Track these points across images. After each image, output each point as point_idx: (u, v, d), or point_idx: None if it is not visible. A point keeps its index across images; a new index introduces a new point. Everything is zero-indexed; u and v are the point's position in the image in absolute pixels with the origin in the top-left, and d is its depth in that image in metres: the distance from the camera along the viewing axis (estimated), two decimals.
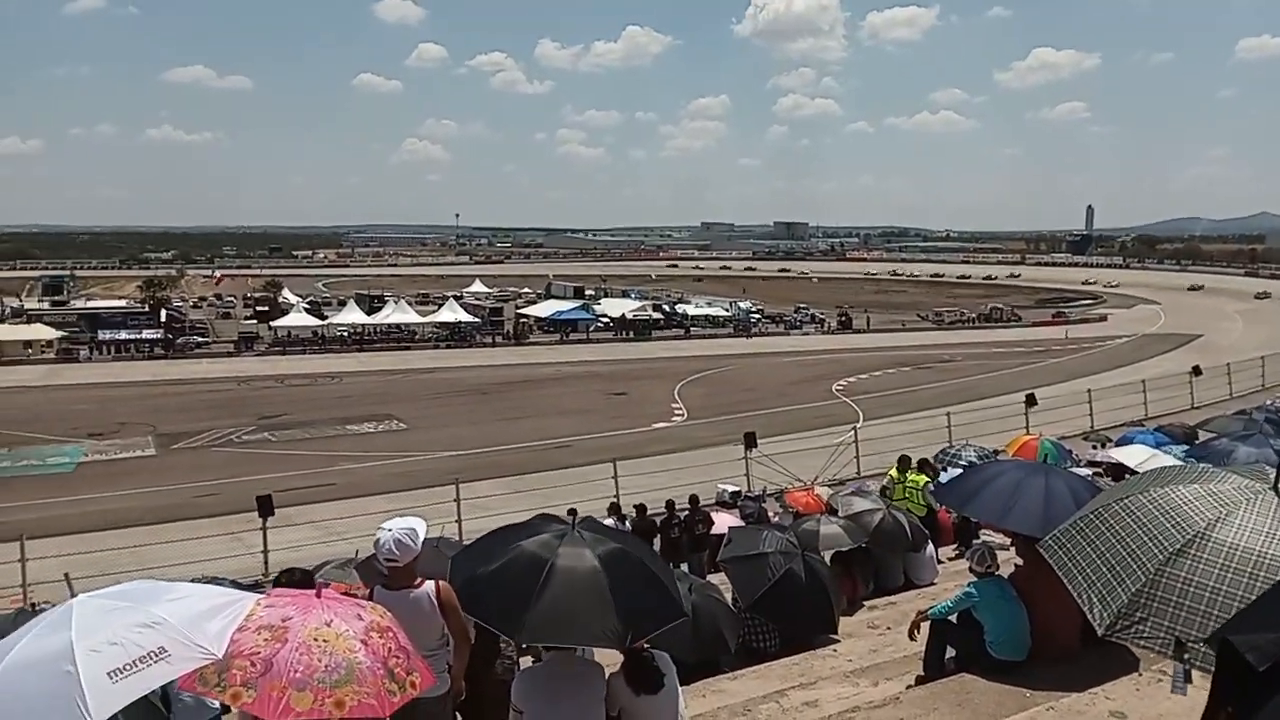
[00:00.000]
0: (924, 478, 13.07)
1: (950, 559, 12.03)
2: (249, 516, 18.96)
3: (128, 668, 3.26)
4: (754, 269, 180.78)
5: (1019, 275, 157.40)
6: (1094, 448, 20.51)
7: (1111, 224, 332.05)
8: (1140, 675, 5.82)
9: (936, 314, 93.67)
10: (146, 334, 66.24)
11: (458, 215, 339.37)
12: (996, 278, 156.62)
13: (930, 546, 11.07)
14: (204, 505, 25.84)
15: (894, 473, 13.72)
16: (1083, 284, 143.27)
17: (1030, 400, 26.72)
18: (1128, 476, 11.60)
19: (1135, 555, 3.62)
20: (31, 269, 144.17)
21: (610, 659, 5.24)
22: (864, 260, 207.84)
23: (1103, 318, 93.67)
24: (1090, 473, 13.27)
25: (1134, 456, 14.26)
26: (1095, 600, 3.59)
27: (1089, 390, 29.35)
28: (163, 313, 72.42)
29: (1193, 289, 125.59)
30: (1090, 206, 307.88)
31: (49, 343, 63.24)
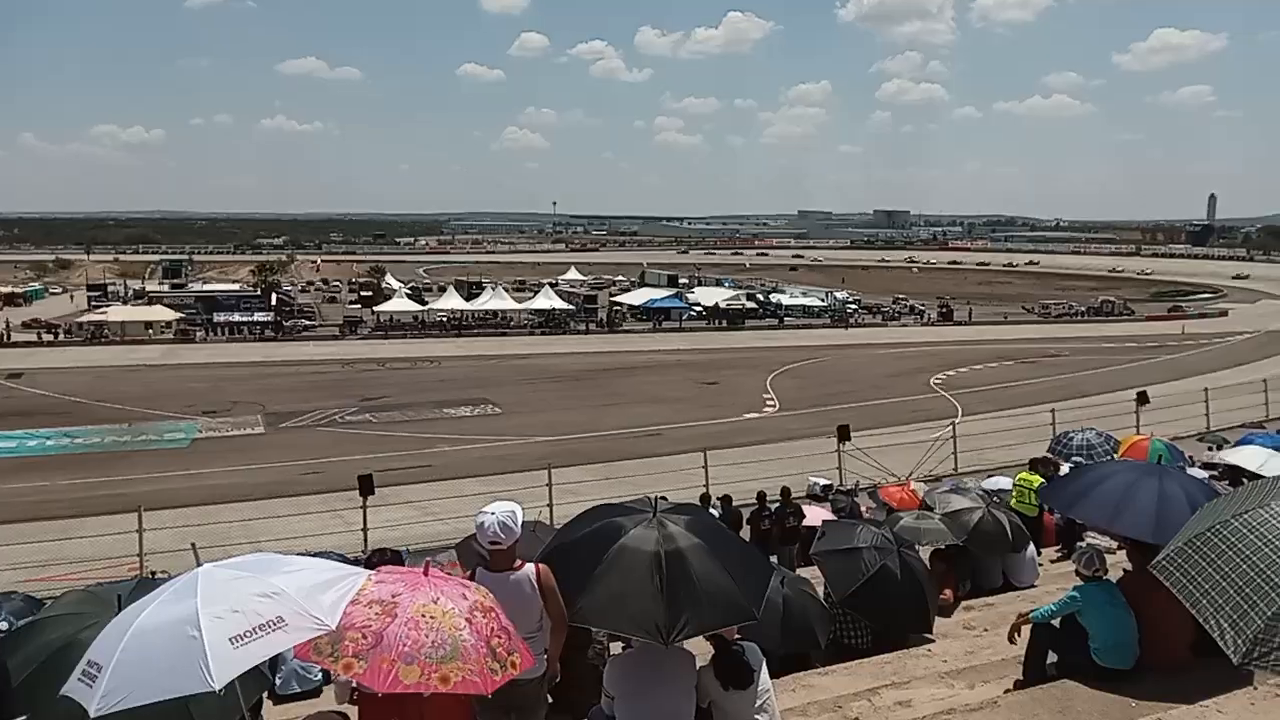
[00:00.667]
0: (1037, 477, 12.66)
1: (1053, 561, 11.67)
2: (350, 495, 19.63)
3: (248, 635, 3.46)
4: (853, 259, 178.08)
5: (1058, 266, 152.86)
6: (1210, 449, 19.58)
7: (1236, 214, 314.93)
8: (1256, 689, 5.58)
9: (1043, 306, 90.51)
10: (258, 316, 68.96)
11: (555, 203, 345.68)
12: (1093, 269, 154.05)
13: (1031, 548, 10.76)
14: (308, 482, 26.83)
15: (1024, 474, 13.33)
16: (1110, 271, 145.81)
17: (1142, 398, 25.58)
18: (1245, 481, 11.07)
19: (1265, 576, 3.44)
20: (153, 253, 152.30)
21: (703, 649, 5.28)
22: (968, 250, 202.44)
23: (1223, 313, 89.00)
24: (1206, 476, 12.69)
25: (1252, 459, 13.55)
26: (1226, 626, 3.42)
27: (1206, 389, 27.96)
28: (273, 296, 75.27)
29: (1238, 278, 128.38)
30: (1213, 195, 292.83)
31: (168, 324, 66.40)
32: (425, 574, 4.06)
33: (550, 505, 18.50)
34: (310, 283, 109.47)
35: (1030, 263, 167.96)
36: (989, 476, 17.21)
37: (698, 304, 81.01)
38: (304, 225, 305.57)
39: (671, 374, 50.58)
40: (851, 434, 22.90)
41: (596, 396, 43.69)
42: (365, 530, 18.81)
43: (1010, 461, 21.15)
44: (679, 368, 52.88)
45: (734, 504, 15.49)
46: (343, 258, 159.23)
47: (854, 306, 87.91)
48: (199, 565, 3.89)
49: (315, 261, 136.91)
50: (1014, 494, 12.83)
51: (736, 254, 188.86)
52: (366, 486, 18.98)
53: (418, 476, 26.71)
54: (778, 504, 15.11)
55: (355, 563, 8.26)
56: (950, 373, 49.94)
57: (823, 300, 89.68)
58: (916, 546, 9.05)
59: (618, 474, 24.93)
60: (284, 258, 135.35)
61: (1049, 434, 22.44)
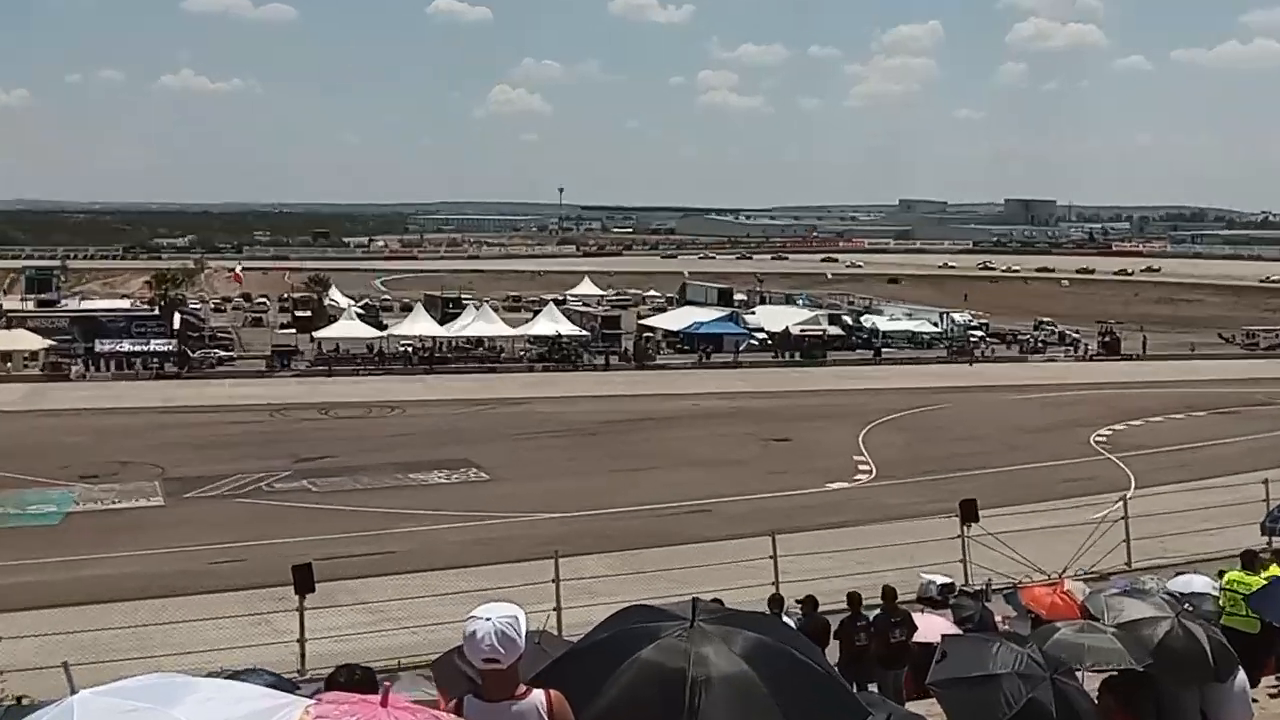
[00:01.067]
0: (1257, 579, 12.41)
1: (1272, 695, 11.44)
2: (281, 592, 19.68)
3: None
4: (988, 265, 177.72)
5: None
6: None
7: None
8: None
9: (1249, 335, 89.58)
10: (156, 345, 69.49)
11: (561, 190, 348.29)
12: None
13: (1241, 675, 10.55)
14: (224, 575, 27.03)
15: (1236, 574, 13.09)
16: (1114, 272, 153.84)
17: None
18: None
19: None
20: (13, 258, 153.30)
21: None
22: (1138, 255, 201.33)
23: None
24: None
25: None
26: None
27: None
28: (176, 317, 76.01)
29: None
30: None
31: (32, 354, 67.01)
32: (383, 704, 4.01)
33: (558, 609, 18.42)
34: (227, 299, 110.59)
35: (1148, 269, 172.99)
36: (1177, 574, 16.91)
37: (760, 329, 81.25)
38: (218, 220, 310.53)
39: (725, 427, 50.61)
40: (980, 513, 22.68)
41: (621, 458, 43.80)
42: (302, 641, 18.82)
43: (1207, 553, 20.84)
44: (735, 418, 52.93)
45: (819, 609, 15.35)
46: (271, 264, 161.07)
47: (980, 333, 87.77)
48: (73, 692, 3.87)
49: (234, 270, 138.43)
50: (1223, 601, 12.60)
51: (828, 259, 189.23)
52: (304, 581, 19.00)
53: (375, 568, 26.82)
54: (878, 611, 14.95)
55: (292, 687, 8.21)
56: (1118, 426, 49.69)
57: (936, 324, 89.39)
58: (1078, 672, 8.89)
59: (650, 565, 24.88)
60: (191, 265, 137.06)
61: (1261, 512, 22.19)
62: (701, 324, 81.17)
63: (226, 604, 22.70)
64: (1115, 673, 9.55)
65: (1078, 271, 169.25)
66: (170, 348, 69.44)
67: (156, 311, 78.91)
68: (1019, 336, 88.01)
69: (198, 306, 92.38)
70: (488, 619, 4.72)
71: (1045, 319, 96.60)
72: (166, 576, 27.03)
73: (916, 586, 20.33)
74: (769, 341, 79.01)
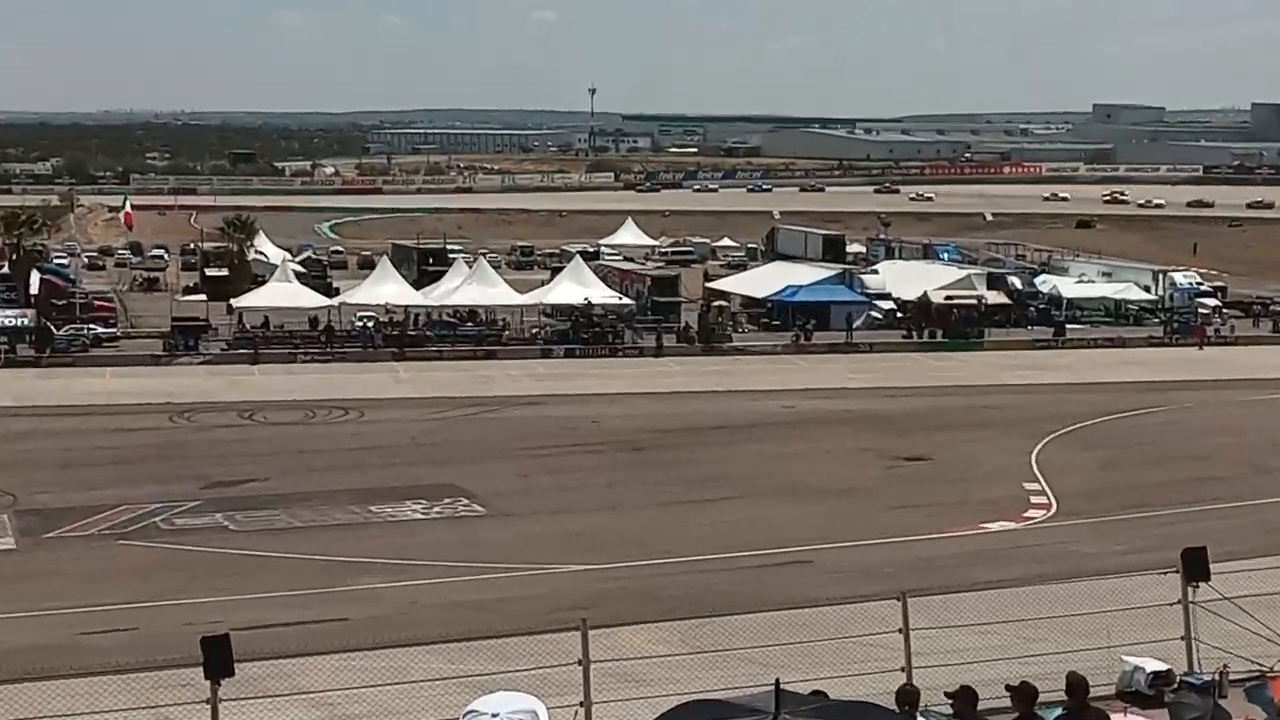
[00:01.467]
0: None
1: None
2: (186, 675, 19.84)
3: None
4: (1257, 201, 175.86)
5: None
6: None
7: None
8: None
9: None
10: (4, 318, 70.27)
11: (593, 92, 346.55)
12: None
13: None
14: (102, 649, 27.08)
15: None
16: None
17: None
18: None
19: None
20: None
21: None
22: None
23: None
24: None
25: None
26: None
27: None
28: (35, 278, 76.49)
29: None
30: None
31: None
32: None
33: (587, 703, 18.54)
34: (107, 250, 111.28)
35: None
36: None
37: (885, 296, 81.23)
38: (98, 136, 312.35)
39: (833, 439, 51.01)
40: (1212, 568, 22.58)
41: (678, 484, 44.18)
42: None
43: None
44: (848, 426, 53.34)
45: (978, 707, 15.39)
46: (171, 201, 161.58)
47: (1214, 302, 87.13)
48: None
49: (119, 209, 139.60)
50: None
51: (884, 189, 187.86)
52: (218, 660, 19.17)
53: (320, 642, 26.80)
54: (1060, 712, 14.98)
55: None
56: None
57: (1148, 289, 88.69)
58: None
59: (720, 642, 24.83)
60: (56, 201, 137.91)
61: None
62: (798, 288, 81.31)
63: (106, 691, 22.78)
64: None
65: None
66: (25, 321, 70.03)
67: (5, 269, 79.55)
68: (1271, 307, 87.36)
69: (65, 262, 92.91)
70: (495, 715, 4.81)
71: None
72: (19, 652, 27.13)
73: (1117, 676, 20.40)
74: (899, 314, 79.16)
